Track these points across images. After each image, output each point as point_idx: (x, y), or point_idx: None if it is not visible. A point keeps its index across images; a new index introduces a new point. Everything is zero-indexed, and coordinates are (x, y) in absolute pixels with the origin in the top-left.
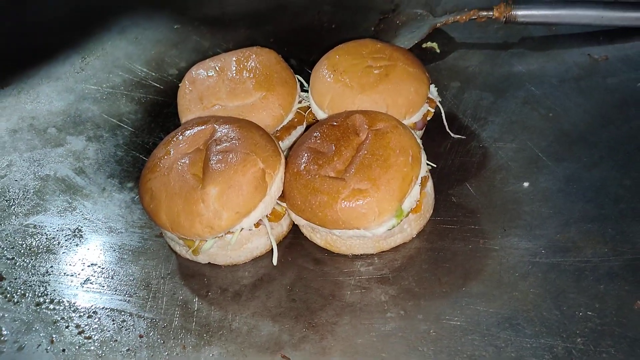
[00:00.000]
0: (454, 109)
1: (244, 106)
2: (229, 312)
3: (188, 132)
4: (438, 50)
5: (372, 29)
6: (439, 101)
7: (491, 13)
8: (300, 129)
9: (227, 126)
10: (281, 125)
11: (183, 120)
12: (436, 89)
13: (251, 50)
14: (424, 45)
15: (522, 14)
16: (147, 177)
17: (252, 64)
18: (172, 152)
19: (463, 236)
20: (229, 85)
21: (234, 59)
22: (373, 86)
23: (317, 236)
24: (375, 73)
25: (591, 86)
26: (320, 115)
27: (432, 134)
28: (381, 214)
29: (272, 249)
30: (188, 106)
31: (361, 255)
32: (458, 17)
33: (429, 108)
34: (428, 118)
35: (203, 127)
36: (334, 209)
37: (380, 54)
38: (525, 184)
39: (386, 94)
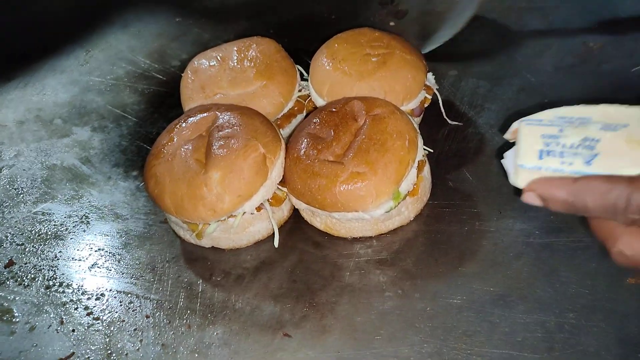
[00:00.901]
0: (451, 97)
1: (245, 94)
2: (232, 294)
3: (191, 119)
4: None
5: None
6: (437, 89)
7: None
8: (300, 117)
9: (228, 113)
10: (282, 114)
11: (186, 109)
12: (434, 77)
13: (252, 40)
14: None
15: None
16: (152, 163)
17: (253, 54)
18: (176, 138)
19: (459, 219)
20: (230, 74)
21: (235, 48)
22: (371, 73)
23: (317, 220)
24: (373, 61)
25: (585, 72)
26: (320, 103)
27: (430, 120)
28: (379, 196)
29: (273, 233)
30: (191, 95)
31: (360, 238)
32: None
33: (427, 95)
34: (425, 105)
35: (205, 114)
36: (332, 192)
37: (378, 42)
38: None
39: (384, 81)
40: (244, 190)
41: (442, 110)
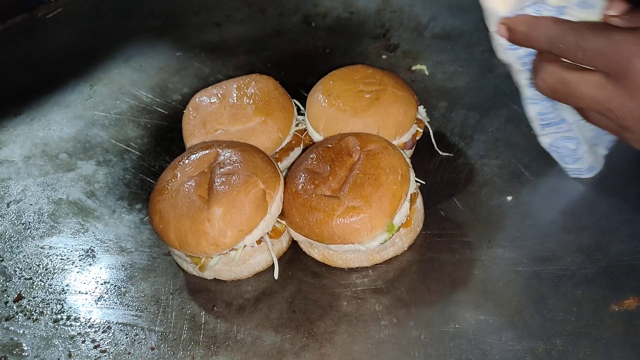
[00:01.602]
0: (442, 128)
1: (245, 130)
2: (234, 324)
3: (193, 156)
4: (427, 72)
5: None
6: (427, 121)
7: None
8: (297, 150)
9: (229, 150)
10: (280, 147)
11: (188, 144)
12: (425, 109)
13: (251, 77)
14: (413, 68)
15: None
16: (156, 199)
17: (252, 91)
18: (179, 175)
19: (451, 248)
20: (230, 110)
21: (235, 86)
22: (365, 109)
23: (315, 251)
24: (367, 97)
25: None
26: (316, 137)
27: (422, 151)
28: (374, 229)
29: (273, 264)
30: (192, 131)
31: (356, 268)
32: None
33: (418, 128)
34: (417, 138)
35: (207, 151)
36: (330, 226)
37: (371, 79)
38: (509, 198)
39: (377, 117)
40: (245, 225)
41: (434, 142)
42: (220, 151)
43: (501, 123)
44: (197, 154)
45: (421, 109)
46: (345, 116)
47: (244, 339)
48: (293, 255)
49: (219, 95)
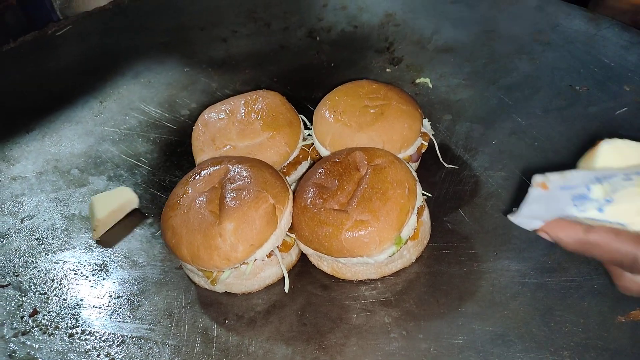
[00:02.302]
0: (446, 141)
1: (253, 145)
2: (246, 337)
3: (204, 172)
4: (430, 85)
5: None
6: (432, 134)
7: None
8: (305, 164)
9: (239, 166)
10: (287, 162)
11: (197, 160)
12: (429, 122)
13: (258, 93)
14: (417, 81)
15: None
16: (168, 215)
17: (260, 106)
18: (190, 190)
19: (458, 260)
20: (239, 126)
21: (242, 101)
22: (370, 124)
23: (324, 264)
24: (372, 112)
25: (573, 115)
26: (323, 152)
27: (427, 164)
28: (382, 242)
29: (283, 277)
30: (202, 147)
31: (365, 280)
32: None
33: (423, 141)
34: (422, 151)
35: (217, 167)
36: (338, 239)
37: (376, 94)
38: (515, 210)
39: (382, 132)
40: (256, 239)
41: (439, 154)
42: (230, 167)
43: (505, 135)
44: (207, 170)
45: (426, 122)
46: (350, 131)
47: (255, 351)
48: (302, 268)
49: (227, 111)
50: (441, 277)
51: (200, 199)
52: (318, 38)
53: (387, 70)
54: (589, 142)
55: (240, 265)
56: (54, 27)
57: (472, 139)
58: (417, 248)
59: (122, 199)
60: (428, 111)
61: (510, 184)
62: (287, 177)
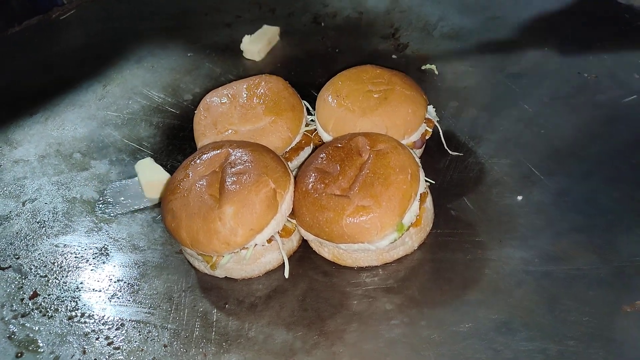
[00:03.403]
0: (452, 127)
1: (255, 130)
2: (246, 322)
3: (205, 155)
4: (437, 72)
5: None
6: (437, 121)
7: None
8: (307, 150)
9: (240, 150)
10: (290, 147)
11: (199, 144)
12: (434, 109)
13: (260, 77)
14: (423, 67)
15: None
16: (169, 199)
17: (262, 91)
18: (191, 174)
19: (462, 247)
20: (241, 111)
21: (245, 86)
22: (373, 109)
23: (325, 250)
24: (375, 97)
25: (580, 103)
26: (326, 137)
27: (432, 151)
28: (383, 228)
29: (283, 263)
30: (203, 131)
31: (366, 267)
32: None
33: (427, 128)
34: (427, 137)
35: (218, 151)
36: (339, 225)
37: (379, 79)
38: (519, 198)
39: (385, 117)
40: (255, 223)
41: (443, 141)
42: (231, 151)
43: (511, 123)
44: (208, 154)
45: (430, 108)
46: (353, 116)
47: (255, 336)
48: (303, 254)
49: (229, 95)
50: (444, 264)
51: (201, 182)
52: (323, 24)
53: (393, 56)
54: (597, 131)
55: (240, 250)
56: (58, 12)
57: (478, 126)
58: (419, 235)
59: (148, 165)
60: (434, 98)
61: (515, 171)
62: (289, 163)
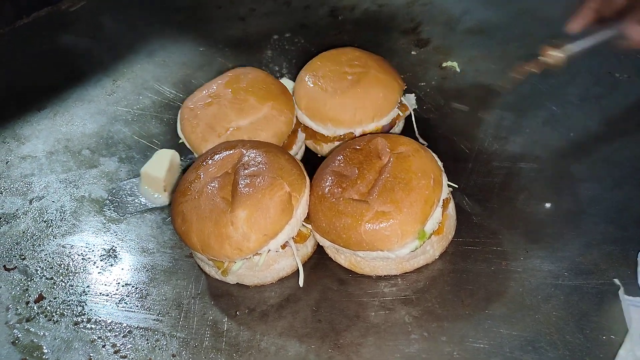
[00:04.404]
0: (475, 129)
1: (258, 121)
2: (257, 332)
3: (217, 156)
4: (458, 69)
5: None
6: (414, 109)
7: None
8: (302, 135)
9: (254, 151)
10: (291, 130)
11: (200, 151)
12: (415, 97)
13: (235, 71)
14: (444, 64)
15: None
16: (179, 201)
17: (245, 83)
18: (202, 176)
19: (485, 257)
20: (233, 106)
21: (223, 83)
22: (344, 91)
23: (342, 257)
24: (349, 79)
25: (612, 105)
26: (300, 115)
27: (453, 153)
28: (404, 236)
29: (297, 270)
30: (203, 137)
31: (384, 276)
32: None
33: (399, 112)
34: (398, 121)
35: (231, 151)
36: (358, 231)
37: (357, 61)
38: (547, 205)
39: (355, 98)
40: (269, 229)
41: (415, 129)
42: (245, 151)
43: (538, 124)
44: (220, 154)
45: (411, 96)
46: (325, 96)
47: (267, 348)
48: (318, 260)
49: (211, 96)
50: (466, 275)
51: (212, 184)
52: (340, 17)
53: (413, 52)
54: (630, 134)
55: (253, 255)
56: (67, 3)
57: (503, 127)
58: (441, 243)
59: (167, 157)
60: (455, 96)
61: (543, 177)
62: (293, 147)
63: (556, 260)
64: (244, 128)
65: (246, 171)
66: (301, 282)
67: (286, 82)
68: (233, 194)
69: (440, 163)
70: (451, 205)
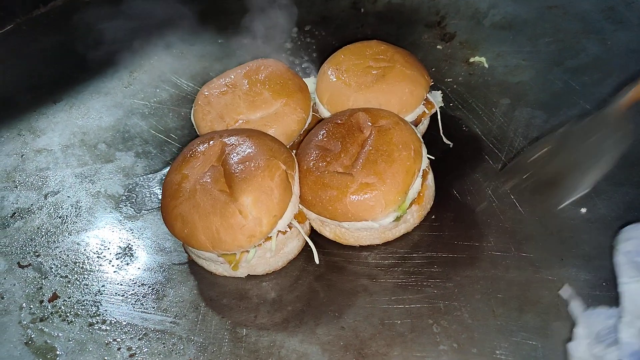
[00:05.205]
0: (504, 127)
1: (268, 116)
2: (277, 338)
3: (196, 151)
4: (486, 65)
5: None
6: (441, 106)
7: None
8: None
9: (235, 138)
10: (303, 129)
11: None
12: (442, 94)
13: (257, 63)
14: (471, 60)
15: None
16: (172, 205)
17: (263, 76)
18: (189, 174)
19: (517, 265)
20: (246, 98)
21: (242, 73)
22: (369, 86)
23: (326, 229)
24: (374, 73)
25: None
26: (322, 109)
27: (481, 153)
28: (387, 205)
29: (302, 250)
30: (211, 126)
31: (410, 283)
32: None
33: (425, 110)
34: (423, 119)
35: (210, 143)
36: (343, 203)
37: (382, 55)
38: (583, 210)
39: (380, 94)
40: (277, 209)
41: (440, 128)
42: (225, 140)
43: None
44: (199, 148)
45: (437, 93)
46: (349, 91)
47: (287, 355)
48: (339, 263)
49: (228, 85)
50: (497, 283)
51: (204, 180)
52: (363, 10)
53: (438, 47)
54: None
55: (264, 241)
56: None
57: (534, 126)
58: (420, 212)
59: None
60: (483, 94)
61: None
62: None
63: (593, 269)
64: (253, 122)
65: (235, 158)
66: (317, 259)
67: (310, 81)
68: (230, 184)
69: (419, 135)
70: (430, 176)
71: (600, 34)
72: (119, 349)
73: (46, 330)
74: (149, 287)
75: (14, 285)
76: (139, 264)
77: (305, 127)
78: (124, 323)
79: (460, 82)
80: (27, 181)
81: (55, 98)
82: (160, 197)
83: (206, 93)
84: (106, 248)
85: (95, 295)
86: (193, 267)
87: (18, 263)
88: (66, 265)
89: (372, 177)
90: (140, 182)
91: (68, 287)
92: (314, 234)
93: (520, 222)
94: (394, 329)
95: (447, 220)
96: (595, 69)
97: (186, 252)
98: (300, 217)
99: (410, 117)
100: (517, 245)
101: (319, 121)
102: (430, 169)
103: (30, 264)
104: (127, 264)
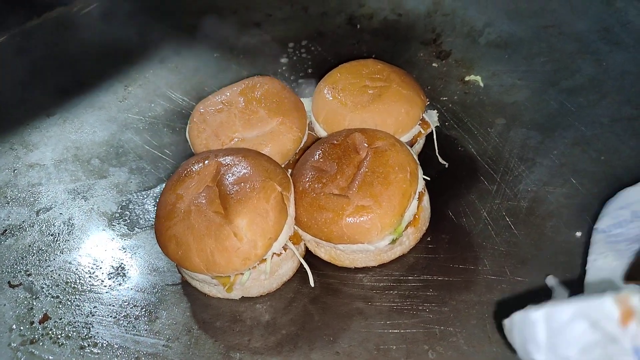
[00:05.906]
0: (499, 148)
1: (264, 135)
2: None
3: (191, 171)
4: (482, 84)
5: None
6: (436, 126)
7: None
8: None
9: (230, 157)
10: (299, 148)
11: None
12: (437, 114)
13: (252, 80)
14: (467, 79)
15: None
16: (166, 226)
17: (259, 93)
18: (184, 195)
19: (512, 289)
20: (242, 117)
21: (238, 90)
22: (365, 105)
23: (322, 250)
24: (370, 93)
25: None
26: (317, 128)
27: (477, 173)
28: (384, 228)
29: (296, 272)
30: (206, 144)
31: (405, 307)
32: None
33: (421, 130)
34: (419, 139)
35: (205, 162)
36: (339, 225)
37: (378, 75)
38: (578, 234)
39: (376, 114)
40: (272, 231)
41: (436, 148)
42: (221, 160)
43: (566, 146)
44: (193, 168)
45: (433, 112)
46: (344, 110)
47: None
48: (333, 284)
49: (223, 103)
50: (493, 308)
51: (199, 200)
52: (358, 26)
53: (434, 64)
54: None
55: (259, 264)
56: (79, 4)
57: (529, 147)
58: (416, 235)
59: None
60: (478, 113)
61: (573, 203)
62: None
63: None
64: (248, 140)
65: (231, 179)
66: (312, 282)
67: (306, 100)
68: (225, 205)
69: (415, 157)
70: (426, 198)
71: (596, 55)
72: None
73: (36, 353)
74: (142, 308)
75: (4, 305)
76: (132, 284)
77: (301, 145)
78: (116, 346)
79: (455, 101)
80: (19, 197)
81: (49, 112)
82: (154, 215)
83: (202, 110)
84: (98, 267)
85: (87, 317)
86: (186, 288)
87: (9, 282)
88: (57, 285)
89: (368, 199)
90: (133, 199)
91: (59, 307)
92: (308, 255)
93: (516, 245)
94: (389, 354)
95: (442, 243)
96: (591, 90)
97: (179, 272)
98: (295, 238)
99: (406, 138)
100: (512, 269)
101: (315, 140)
102: (426, 191)
103: (21, 283)
104: (120, 284)
